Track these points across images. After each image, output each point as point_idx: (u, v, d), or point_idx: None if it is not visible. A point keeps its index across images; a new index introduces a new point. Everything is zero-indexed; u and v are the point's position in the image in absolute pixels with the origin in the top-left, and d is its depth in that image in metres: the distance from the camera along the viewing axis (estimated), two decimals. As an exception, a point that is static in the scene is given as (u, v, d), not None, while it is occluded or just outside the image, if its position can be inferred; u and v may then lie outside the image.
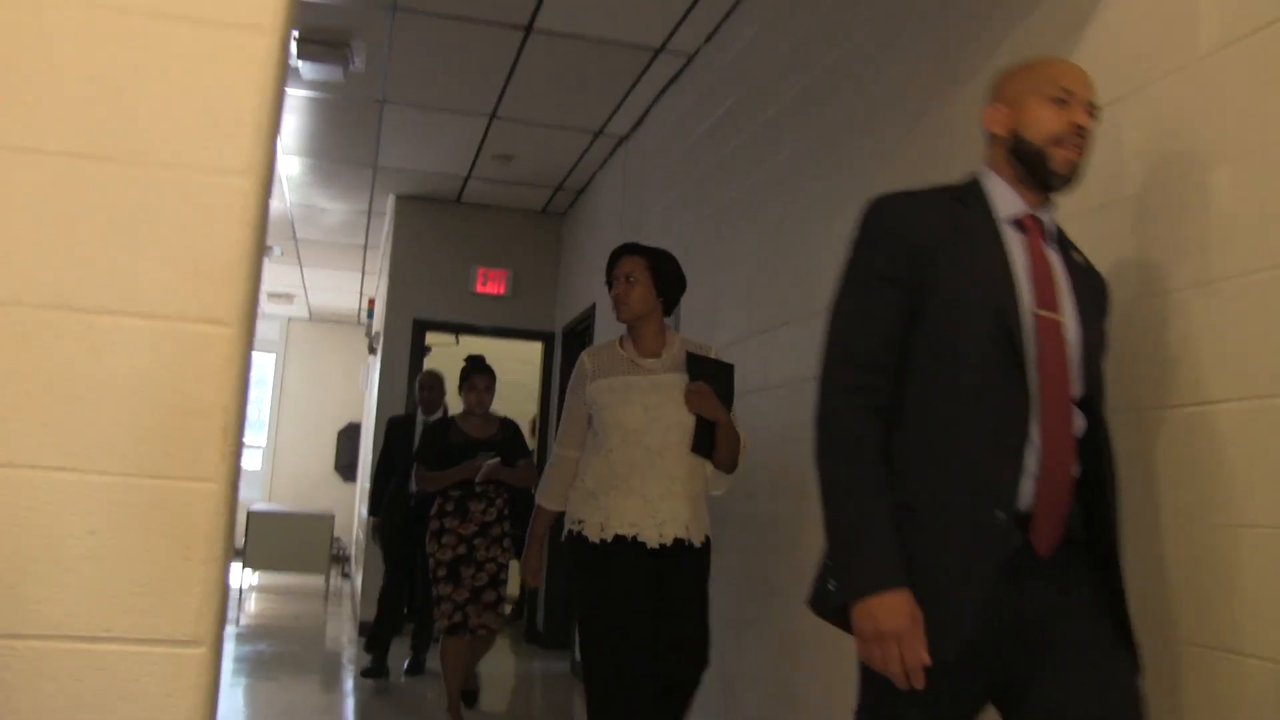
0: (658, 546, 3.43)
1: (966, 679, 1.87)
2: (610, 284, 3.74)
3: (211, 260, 1.52)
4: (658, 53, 5.67)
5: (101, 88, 1.50)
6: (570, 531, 3.57)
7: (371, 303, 10.57)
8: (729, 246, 4.98)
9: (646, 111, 6.51)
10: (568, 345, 8.43)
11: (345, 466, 13.81)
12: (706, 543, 3.59)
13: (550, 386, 8.77)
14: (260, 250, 1.62)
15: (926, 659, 1.78)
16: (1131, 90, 2.46)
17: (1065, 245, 2.12)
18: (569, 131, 7.00)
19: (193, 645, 1.44)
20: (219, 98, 1.55)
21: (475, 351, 5.95)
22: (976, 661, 1.84)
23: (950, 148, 3.18)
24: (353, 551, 11.55)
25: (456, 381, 5.79)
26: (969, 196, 2.07)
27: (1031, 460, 1.89)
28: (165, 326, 1.50)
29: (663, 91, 6.17)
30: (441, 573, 5.30)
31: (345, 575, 12.24)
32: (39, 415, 1.42)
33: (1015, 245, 2.01)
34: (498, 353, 8.40)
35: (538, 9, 5.24)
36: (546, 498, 3.79)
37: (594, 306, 7.47)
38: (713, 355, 3.73)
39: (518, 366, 9.24)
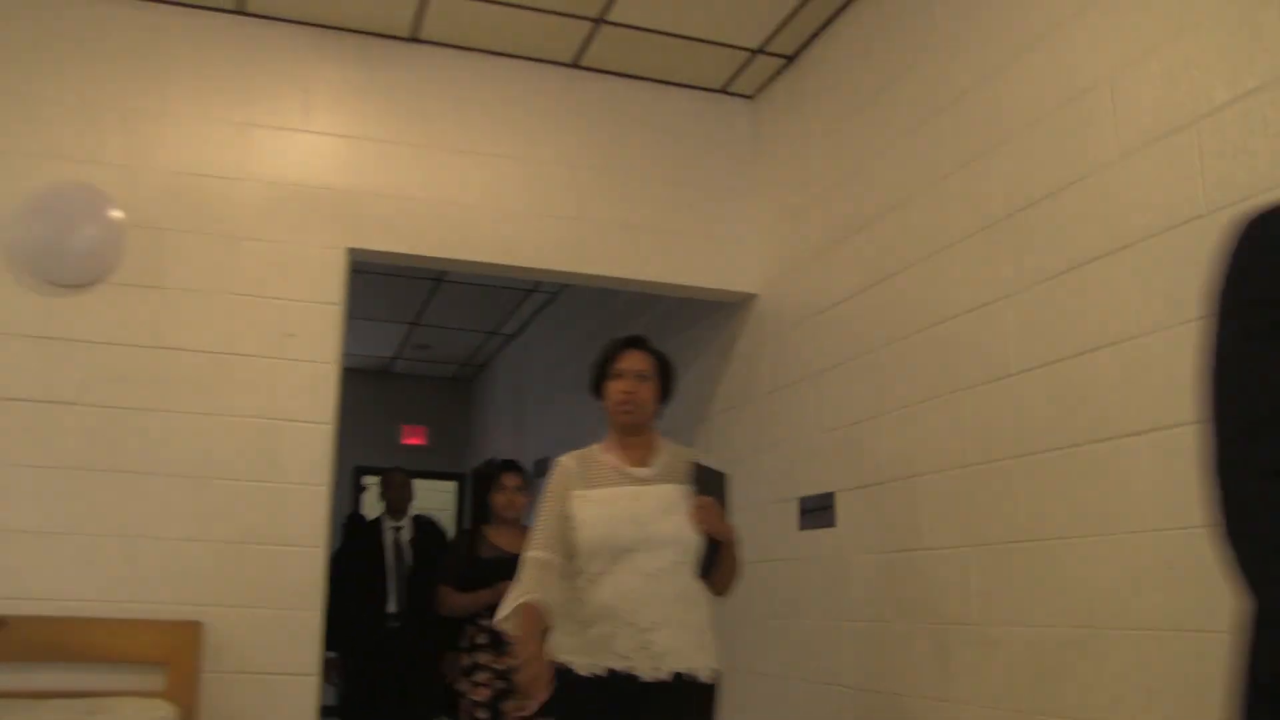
0: (653, 681, 2.95)
1: None
2: (604, 378, 3.28)
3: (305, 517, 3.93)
4: (530, 292, 8.15)
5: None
6: (558, 665, 3.01)
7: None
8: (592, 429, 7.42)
9: (527, 323, 8.98)
10: (477, 482, 10.80)
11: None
12: (715, 678, 3.09)
13: (463, 516, 11.08)
14: (331, 517, 4.02)
15: None
16: None
17: None
18: (471, 332, 9.46)
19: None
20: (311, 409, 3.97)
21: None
22: None
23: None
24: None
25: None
26: None
27: None
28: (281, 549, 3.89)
29: (539, 311, 8.64)
30: (482, 715, 4.49)
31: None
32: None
33: None
34: (421, 489, 10.89)
35: (442, 274, 7.69)
36: (529, 592, 3.05)
37: (495, 457, 9.87)
38: (703, 462, 3.27)
39: (439, 497, 11.59)
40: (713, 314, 5.28)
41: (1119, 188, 2.80)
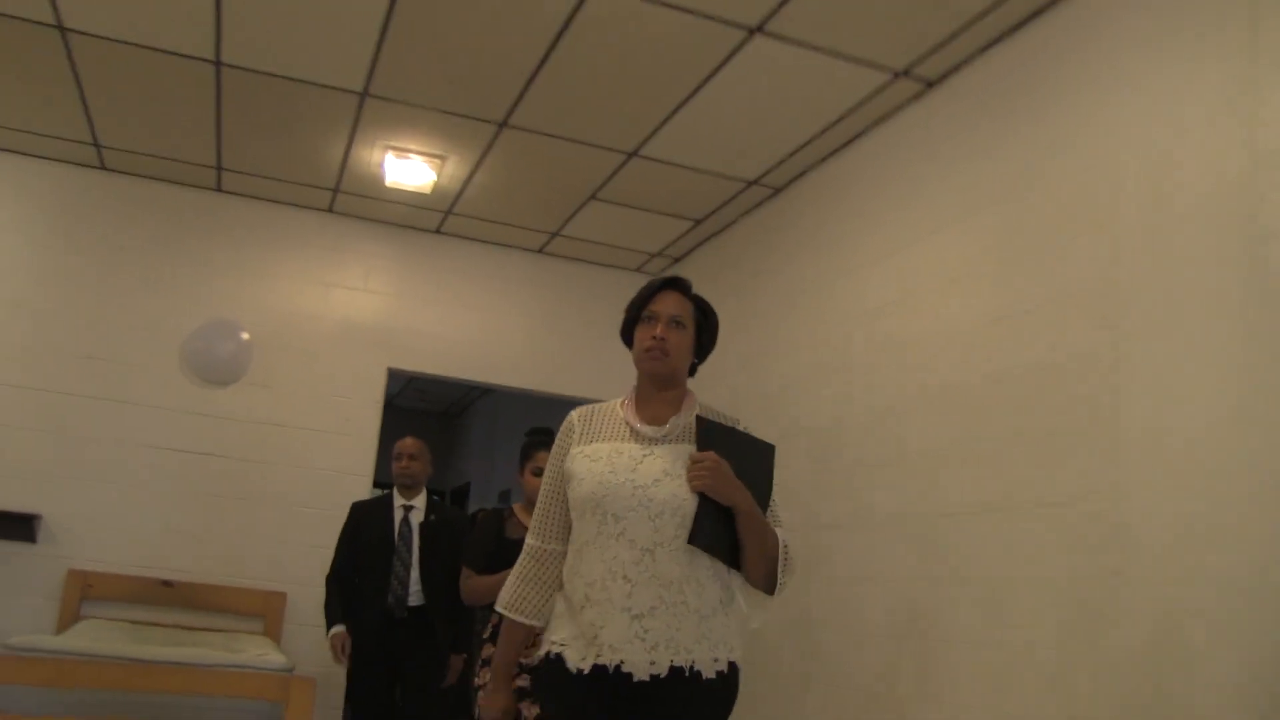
0: (647, 678, 2.50)
1: None
2: (635, 322, 2.87)
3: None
4: (507, 362, 10.73)
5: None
6: (549, 654, 2.64)
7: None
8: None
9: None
10: (454, 499, 13.43)
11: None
12: (729, 674, 2.61)
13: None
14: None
15: None
16: None
17: None
18: (455, 387, 12.01)
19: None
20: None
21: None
22: None
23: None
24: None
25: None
26: None
27: None
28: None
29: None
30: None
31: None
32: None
33: None
34: (409, 502, 13.64)
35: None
36: (513, 606, 2.77)
37: (469, 483, 12.50)
38: (741, 428, 2.79)
39: (421, 509, 14.32)
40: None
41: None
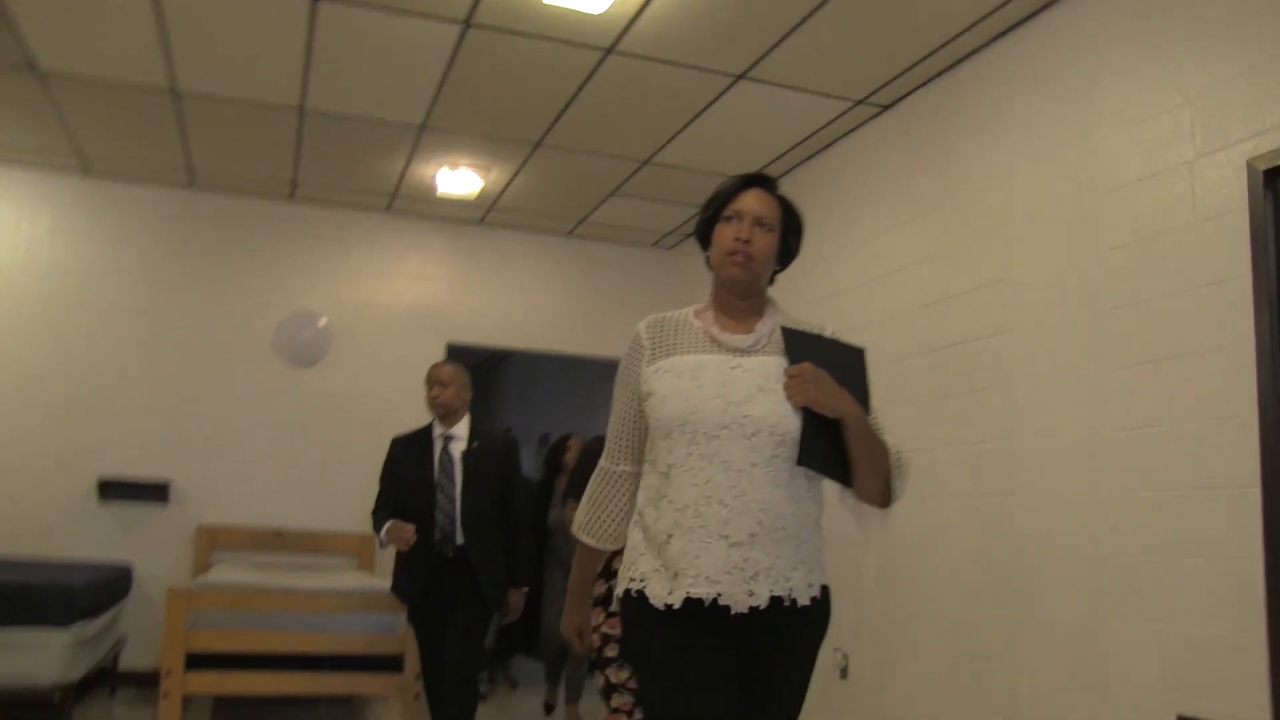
0: (746, 610, 2.31)
1: None
2: (712, 221, 2.60)
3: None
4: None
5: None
6: (629, 591, 2.43)
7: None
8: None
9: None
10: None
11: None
12: (823, 598, 2.43)
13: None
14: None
15: None
16: None
17: None
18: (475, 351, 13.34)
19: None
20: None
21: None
22: None
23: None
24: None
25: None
26: None
27: None
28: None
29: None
30: (612, 653, 3.97)
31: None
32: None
33: None
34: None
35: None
36: (589, 531, 2.63)
37: (509, 429, 13.80)
38: (829, 334, 2.59)
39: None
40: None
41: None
